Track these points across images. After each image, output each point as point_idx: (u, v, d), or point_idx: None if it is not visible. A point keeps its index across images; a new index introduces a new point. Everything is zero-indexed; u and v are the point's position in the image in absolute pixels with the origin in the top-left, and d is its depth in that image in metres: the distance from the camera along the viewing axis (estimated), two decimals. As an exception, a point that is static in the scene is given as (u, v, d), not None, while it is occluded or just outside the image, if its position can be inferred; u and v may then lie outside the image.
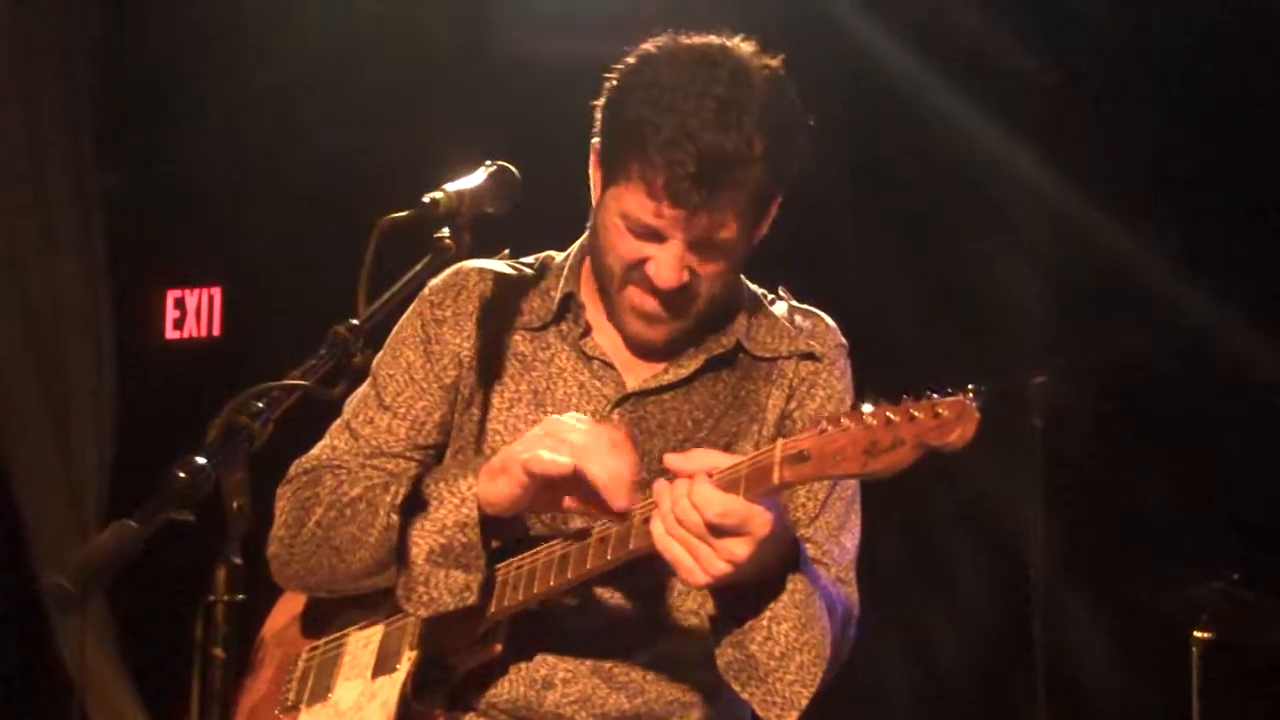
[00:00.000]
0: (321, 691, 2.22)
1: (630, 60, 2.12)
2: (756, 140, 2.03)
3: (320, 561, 2.18)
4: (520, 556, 2.07)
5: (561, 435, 1.99)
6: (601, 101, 2.13)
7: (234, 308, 5.39)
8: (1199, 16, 4.38)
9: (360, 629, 2.25)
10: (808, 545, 2.11)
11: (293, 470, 2.28)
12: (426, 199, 1.98)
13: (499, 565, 2.08)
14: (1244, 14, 4.35)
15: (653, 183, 2.02)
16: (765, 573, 1.93)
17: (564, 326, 2.24)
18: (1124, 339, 4.46)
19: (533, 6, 4.64)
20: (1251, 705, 4.30)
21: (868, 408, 1.78)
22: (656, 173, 2.01)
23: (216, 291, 5.39)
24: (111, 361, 4.90)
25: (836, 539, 2.20)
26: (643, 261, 2.10)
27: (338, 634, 2.26)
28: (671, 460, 1.92)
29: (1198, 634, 4.00)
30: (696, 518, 1.85)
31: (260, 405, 1.63)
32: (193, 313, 5.40)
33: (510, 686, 2.16)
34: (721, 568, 1.87)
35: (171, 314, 5.42)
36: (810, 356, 2.25)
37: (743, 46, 2.12)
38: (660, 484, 1.90)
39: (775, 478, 1.83)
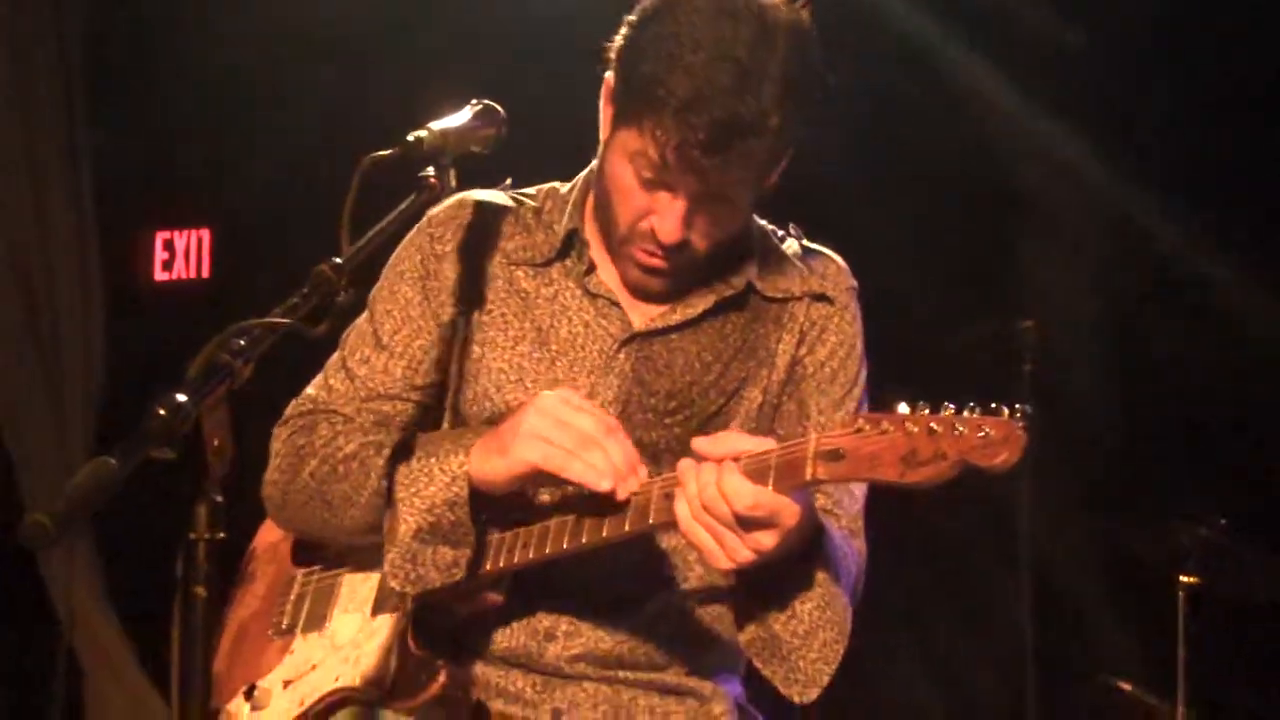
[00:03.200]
0: (317, 620, 2.21)
1: (647, 5, 2.06)
2: (774, 113, 1.98)
3: (313, 513, 2.16)
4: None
5: (561, 422, 1.95)
6: (617, 43, 2.08)
7: (223, 249, 5.37)
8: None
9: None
10: (818, 494, 2.09)
11: (289, 411, 2.25)
12: (410, 137, 1.96)
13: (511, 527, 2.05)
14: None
15: (664, 144, 1.98)
16: (789, 553, 1.92)
17: (568, 263, 2.21)
18: (1116, 286, 4.46)
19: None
20: (1237, 651, 4.33)
21: (904, 408, 1.74)
22: (668, 135, 1.97)
23: (205, 233, 5.38)
24: (100, 303, 4.88)
25: (847, 488, 2.17)
26: (647, 214, 2.07)
27: (335, 563, 2.24)
28: (699, 444, 1.89)
29: (1184, 579, 4.02)
30: (724, 508, 1.83)
31: (242, 343, 1.62)
32: (181, 254, 5.38)
33: (512, 636, 2.14)
34: (747, 556, 1.86)
35: (160, 255, 5.40)
36: (823, 298, 2.22)
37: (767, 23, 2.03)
38: (686, 465, 1.88)
39: (808, 473, 1.80)
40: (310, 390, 2.26)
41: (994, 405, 1.71)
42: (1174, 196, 4.42)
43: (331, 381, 2.24)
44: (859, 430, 1.76)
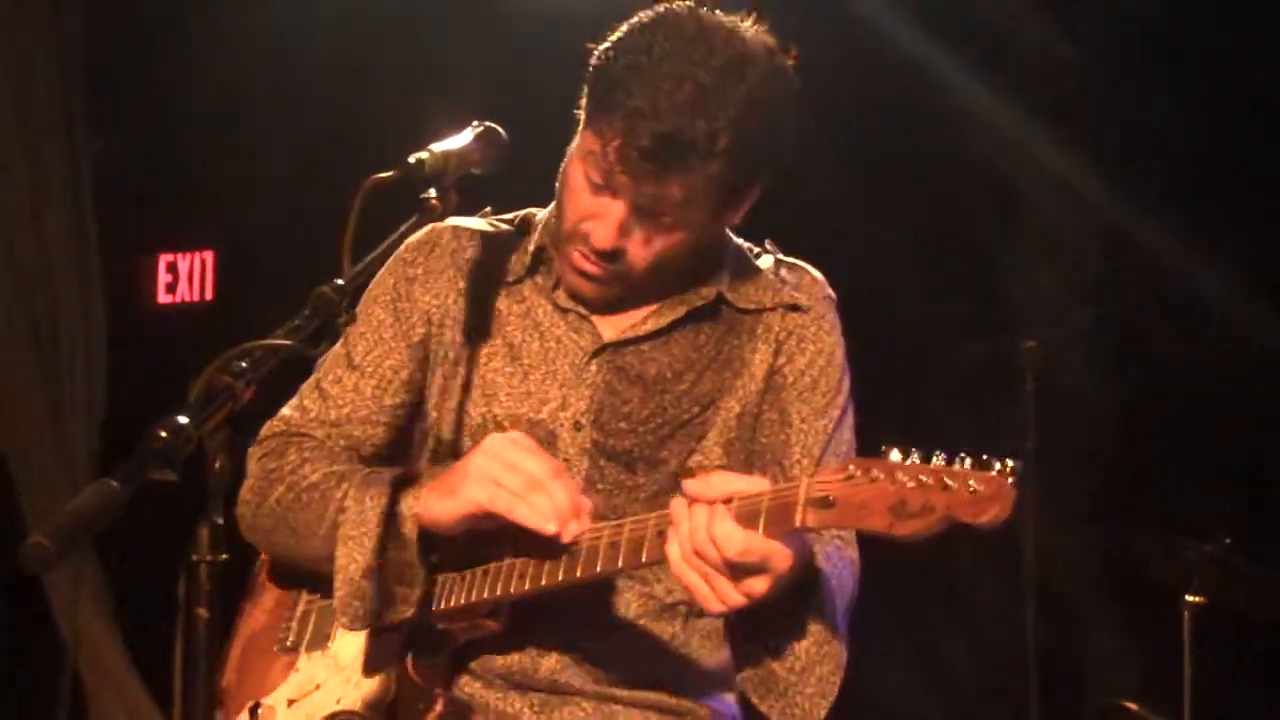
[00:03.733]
0: (321, 639, 2.21)
1: (640, 17, 2.10)
2: (723, 136, 2.00)
3: (280, 538, 2.20)
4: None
5: (509, 464, 1.98)
6: (598, 48, 2.12)
7: (226, 272, 5.38)
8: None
9: None
10: None
11: (264, 431, 2.28)
12: (412, 159, 1.97)
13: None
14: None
15: (607, 143, 2.02)
16: (783, 594, 1.90)
17: (539, 280, 2.23)
18: (1119, 302, 4.46)
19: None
20: (1243, 670, 4.32)
21: (896, 456, 1.71)
22: (614, 135, 2.01)
23: (209, 256, 5.39)
24: (103, 325, 4.89)
25: None
26: (589, 217, 2.09)
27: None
28: (691, 486, 1.88)
29: (1190, 599, 4.01)
30: (715, 553, 1.82)
31: (244, 365, 1.62)
32: (185, 277, 5.40)
33: (508, 656, 2.15)
34: (738, 600, 1.85)
35: (164, 278, 5.41)
36: (795, 308, 2.23)
37: (754, 36, 2.08)
38: (678, 505, 1.87)
39: (797, 520, 1.78)
40: (285, 411, 2.29)
41: (985, 458, 1.69)
42: (1174, 208, 4.42)
43: (305, 402, 2.27)
44: (850, 477, 1.74)
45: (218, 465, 1.53)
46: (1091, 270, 4.55)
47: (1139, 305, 4.49)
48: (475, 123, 2.11)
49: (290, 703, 2.20)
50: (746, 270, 2.26)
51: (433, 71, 4.74)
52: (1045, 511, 4.12)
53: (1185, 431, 4.43)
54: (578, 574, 1.96)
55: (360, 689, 2.12)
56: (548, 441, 2.16)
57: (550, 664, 2.15)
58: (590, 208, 2.09)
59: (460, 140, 2.05)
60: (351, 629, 2.07)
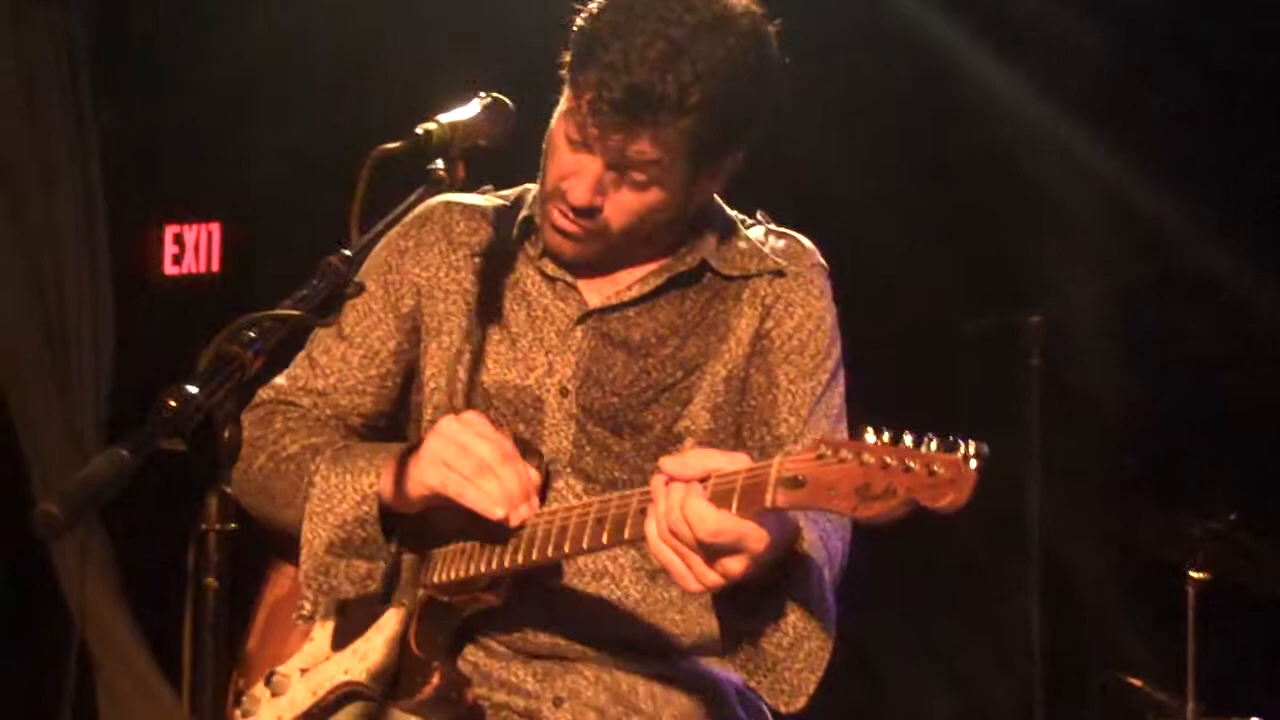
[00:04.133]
0: (335, 609, 2.24)
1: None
2: (694, 91, 2.04)
3: (263, 505, 2.24)
4: (526, 517, 2.06)
5: (461, 448, 2.01)
6: (582, 9, 2.15)
7: (233, 244, 5.38)
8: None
9: None
10: None
11: (256, 397, 2.33)
12: (419, 130, 1.98)
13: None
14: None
15: (581, 97, 2.06)
16: (764, 571, 1.91)
17: (527, 250, 2.26)
18: (1121, 278, 4.45)
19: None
20: (1247, 647, 4.32)
21: (870, 438, 1.71)
22: (588, 89, 2.05)
23: (215, 227, 5.39)
24: (110, 297, 4.89)
25: None
26: (568, 175, 2.12)
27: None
28: (667, 464, 1.89)
29: (1194, 575, 4.01)
30: (689, 532, 1.83)
31: (252, 334, 1.63)
32: (191, 248, 5.40)
33: (510, 626, 2.18)
34: (714, 580, 1.85)
35: (170, 250, 5.41)
36: (780, 274, 2.25)
37: (739, 2, 2.11)
38: (657, 484, 1.88)
39: (768, 499, 1.78)
40: (278, 378, 2.33)
41: (952, 439, 1.67)
42: (1184, 187, 4.41)
43: (296, 370, 2.33)
44: (820, 456, 1.74)
45: (226, 434, 1.53)
46: (1099, 245, 4.54)
47: (1146, 281, 4.48)
48: (482, 94, 2.11)
49: (303, 672, 2.23)
50: (734, 238, 2.28)
51: (440, 42, 4.73)
52: (1049, 488, 4.12)
53: (1190, 407, 4.43)
54: (566, 549, 1.97)
55: (365, 661, 2.15)
56: (534, 407, 2.20)
57: (551, 633, 2.17)
58: (569, 165, 2.12)
59: (468, 111, 2.06)
60: (316, 601, 2.13)
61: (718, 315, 2.24)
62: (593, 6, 2.13)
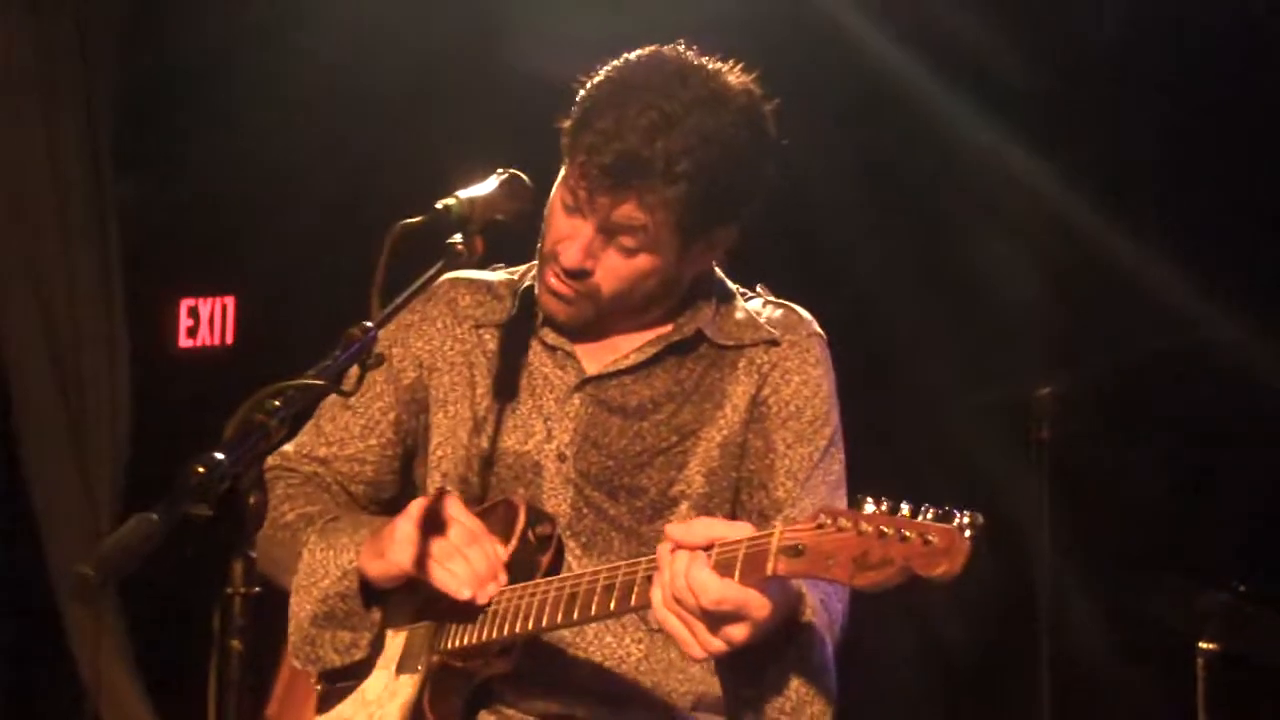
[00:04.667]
0: (360, 673, 2.27)
1: (629, 55, 2.24)
2: (682, 160, 2.11)
3: (265, 567, 2.30)
4: (534, 583, 2.11)
5: (424, 528, 2.11)
6: (584, 81, 2.25)
7: (247, 317, 5.42)
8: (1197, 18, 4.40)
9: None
10: None
11: (266, 461, 2.37)
12: (440, 205, 2.05)
13: (509, 589, 2.13)
14: (1244, 17, 4.36)
15: (574, 162, 2.15)
16: (767, 638, 1.94)
17: (528, 321, 2.33)
18: (1129, 351, 4.48)
19: (540, 22, 4.68)
20: (1258, 717, 4.31)
21: (870, 507, 1.75)
22: (580, 153, 2.14)
23: (230, 301, 5.43)
24: (126, 368, 4.93)
25: None
26: (562, 241, 2.20)
27: (419, 612, 2.29)
28: (672, 531, 1.94)
29: (1203, 645, 4.01)
30: (693, 600, 1.87)
31: (277, 404, 1.67)
32: (206, 322, 5.44)
33: (523, 691, 2.21)
34: (717, 646, 1.89)
35: (185, 323, 5.45)
36: (774, 343, 2.30)
37: (737, 81, 2.20)
38: (662, 551, 1.93)
39: (769, 567, 1.83)
40: (286, 445, 2.42)
41: (948, 510, 1.71)
42: (1190, 259, 4.44)
43: (303, 438, 2.42)
44: (820, 526, 1.78)
45: (251, 501, 1.57)
46: (1108, 322, 4.57)
47: (1157, 357, 4.50)
48: (500, 170, 2.18)
49: None
50: (732, 309, 2.34)
51: (454, 121, 4.80)
52: (1059, 561, 4.13)
53: (1197, 477, 4.44)
54: (575, 615, 2.02)
55: None
56: (534, 471, 2.26)
57: (558, 694, 2.21)
58: (564, 229, 2.20)
59: (486, 187, 2.12)
60: (305, 670, 2.22)
61: (714, 383, 2.28)
62: (593, 79, 2.22)
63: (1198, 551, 4.36)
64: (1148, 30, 4.45)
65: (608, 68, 2.23)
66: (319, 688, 2.29)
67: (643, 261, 2.19)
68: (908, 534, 1.70)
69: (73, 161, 4.87)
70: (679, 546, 1.90)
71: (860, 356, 2.42)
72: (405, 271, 2.02)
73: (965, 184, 4.63)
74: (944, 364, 4.54)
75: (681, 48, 2.23)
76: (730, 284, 2.38)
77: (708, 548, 1.88)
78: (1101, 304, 4.58)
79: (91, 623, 4.59)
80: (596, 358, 2.31)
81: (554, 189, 2.25)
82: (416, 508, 2.13)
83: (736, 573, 1.84)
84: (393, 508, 2.31)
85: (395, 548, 2.11)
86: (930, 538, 1.68)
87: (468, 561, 2.09)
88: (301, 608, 2.21)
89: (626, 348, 2.30)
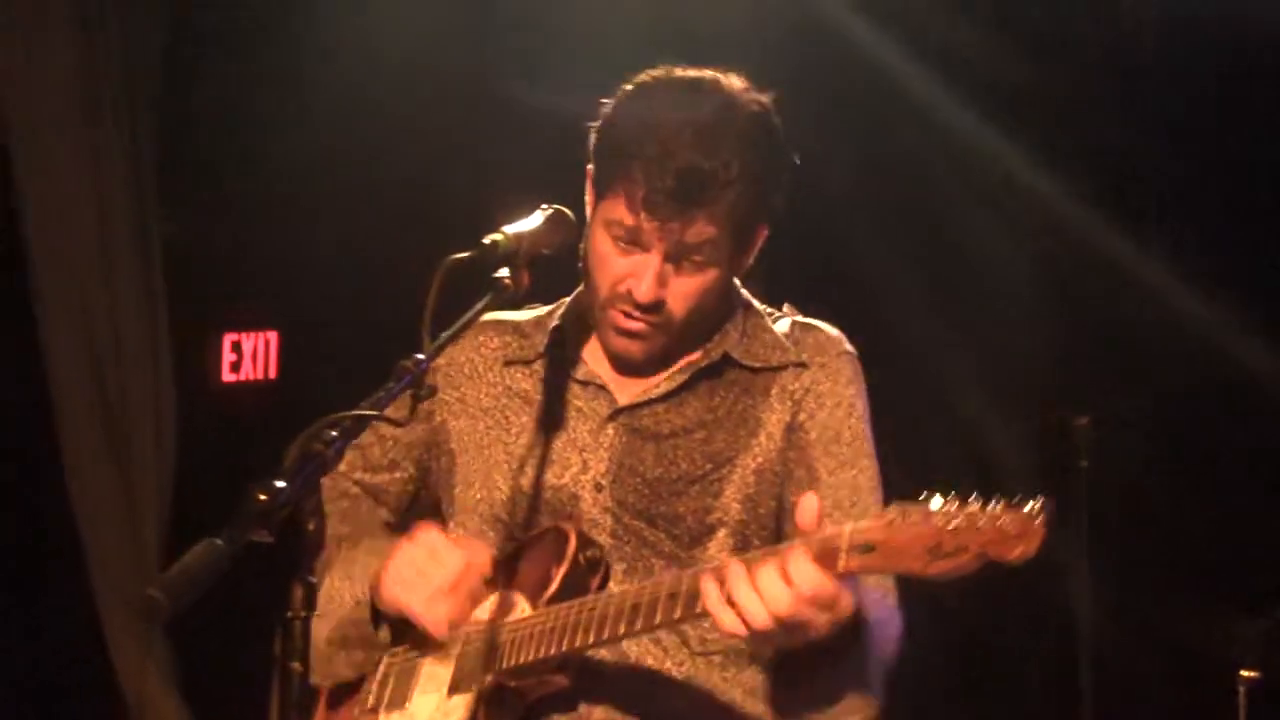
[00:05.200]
0: (399, 700, 2.31)
1: (626, 88, 2.29)
2: (734, 162, 2.17)
3: None
4: (592, 598, 2.15)
5: (419, 570, 2.21)
6: (596, 125, 2.28)
7: (290, 351, 5.47)
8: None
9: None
10: None
11: None
12: (487, 240, 2.09)
13: (565, 604, 2.16)
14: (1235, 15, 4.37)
15: (634, 196, 2.16)
16: (824, 641, 1.98)
17: (557, 358, 2.36)
18: (1165, 379, 4.49)
19: (579, 53, 4.73)
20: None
21: (937, 502, 1.82)
22: (637, 187, 2.16)
23: (273, 335, 5.48)
24: (172, 404, 4.99)
25: None
26: (624, 278, 2.22)
27: (420, 644, 2.35)
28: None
29: (1244, 673, 4.00)
30: (783, 590, 1.90)
31: (333, 434, 1.71)
32: (249, 356, 5.49)
33: (558, 707, 2.23)
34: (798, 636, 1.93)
35: (228, 357, 5.51)
36: (804, 366, 2.32)
37: (735, 81, 2.27)
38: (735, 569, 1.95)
39: (841, 564, 1.88)
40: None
41: (1016, 499, 1.78)
42: (1222, 286, 4.45)
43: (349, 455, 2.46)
44: (890, 523, 1.84)
45: (310, 528, 1.61)
46: (1145, 351, 4.58)
47: (1193, 384, 4.51)
48: (544, 205, 2.22)
49: None
50: (759, 331, 2.36)
51: (493, 156, 4.85)
52: (1098, 590, 4.13)
53: (1237, 504, 4.44)
54: (638, 625, 2.05)
55: None
56: (571, 504, 2.28)
57: (605, 709, 2.23)
58: (624, 269, 2.21)
59: (531, 222, 2.16)
60: (319, 684, 2.32)
61: (746, 409, 2.31)
62: (607, 117, 2.27)
63: (1238, 580, 4.35)
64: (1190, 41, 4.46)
65: (615, 101, 2.28)
66: (362, 718, 2.34)
67: (711, 275, 2.23)
68: (981, 522, 1.77)
69: (117, 198, 4.94)
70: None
71: (895, 379, 2.44)
72: (448, 303, 2.07)
73: (987, 202, 4.65)
74: (982, 393, 4.56)
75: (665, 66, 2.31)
76: (757, 303, 2.41)
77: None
78: (1141, 334, 4.59)
79: (137, 650, 4.64)
80: (627, 389, 2.33)
81: (589, 239, 2.27)
82: (407, 550, 2.23)
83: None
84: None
85: (390, 585, 2.23)
86: (1005, 524, 1.76)
87: (449, 605, 2.20)
88: (319, 631, 2.27)
89: (657, 377, 2.33)
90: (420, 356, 1.91)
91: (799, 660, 2.00)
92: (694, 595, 1.99)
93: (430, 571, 2.19)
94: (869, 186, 4.38)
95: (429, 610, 2.19)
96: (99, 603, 4.72)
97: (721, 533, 2.27)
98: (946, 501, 1.81)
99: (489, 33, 4.89)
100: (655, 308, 2.22)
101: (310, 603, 1.61)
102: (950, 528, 1.78)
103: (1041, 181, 4.60)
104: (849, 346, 2.38)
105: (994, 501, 1.79)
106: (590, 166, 2.30)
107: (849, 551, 1.86)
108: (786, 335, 2.36)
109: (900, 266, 4.59)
